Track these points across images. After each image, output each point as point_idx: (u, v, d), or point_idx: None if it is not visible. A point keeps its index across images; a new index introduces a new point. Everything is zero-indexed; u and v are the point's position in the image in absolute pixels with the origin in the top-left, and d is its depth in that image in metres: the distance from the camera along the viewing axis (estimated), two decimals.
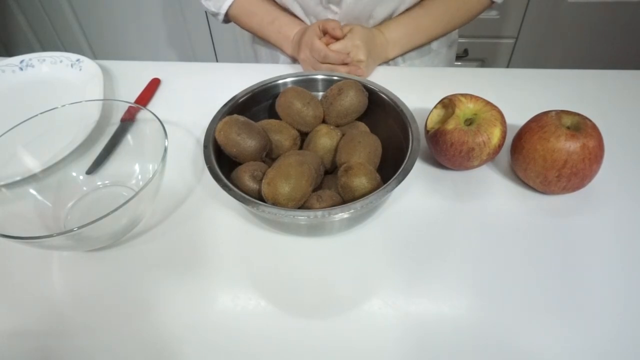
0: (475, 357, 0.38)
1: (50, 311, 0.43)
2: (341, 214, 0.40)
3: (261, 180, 0.45)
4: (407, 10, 0.71)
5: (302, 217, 0.40)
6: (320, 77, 0.56)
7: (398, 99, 0.51)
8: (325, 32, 0.65)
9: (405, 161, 0.44)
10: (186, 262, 0.46)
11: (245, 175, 0.45)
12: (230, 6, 0.74)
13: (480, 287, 0.42)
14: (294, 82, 0.56)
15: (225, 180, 0.43)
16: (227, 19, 0.78)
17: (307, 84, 0.56)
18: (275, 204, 0.42)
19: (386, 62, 0.74)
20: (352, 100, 0.51)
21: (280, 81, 0.55)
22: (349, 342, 0.39)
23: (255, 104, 0.55)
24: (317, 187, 0.48)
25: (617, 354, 0.38)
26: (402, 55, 0.74)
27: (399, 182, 0.42)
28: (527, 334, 0.39)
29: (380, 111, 0.53)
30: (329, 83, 0.55)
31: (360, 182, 0.43)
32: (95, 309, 0.43)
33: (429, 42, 0.76)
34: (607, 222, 0.47)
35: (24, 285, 0.45)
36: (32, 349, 0.40)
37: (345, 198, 0.45)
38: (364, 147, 0.47)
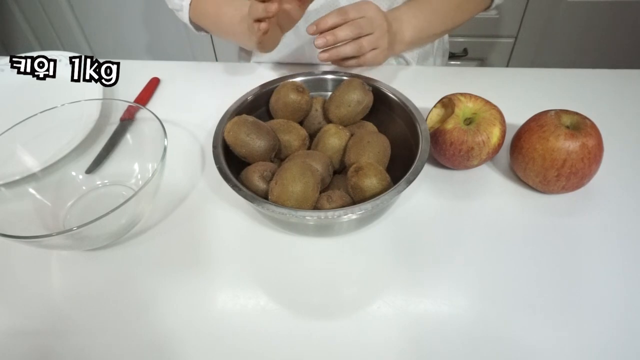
0: (476, 357, 0.38)
1: (49, 310, 0.43)
2: (350, 215, 0.40)
3: (270, 180, 0.45)
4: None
5: (311, 217, 0.40)
6: (329, 77, 0.56)
7: (407, 98, 0.51)
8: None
9: (416, 161, 0.44)
10: (186, 261, 0.46)
11: (255, 175, 0.45)
12: None
13: (480, 286, 0.42)
14: (304, 82, 0.55)
15: (235, 181, 0.43)
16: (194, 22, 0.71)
17: (315, 83, 0.56)
18: None
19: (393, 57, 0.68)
20: (358, 100, 0.50)
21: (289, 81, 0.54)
22: (352, 342, 0.39)
23: (264, 104, 0.54)
24: (326, 188, 0.48)
25: (617, 354, 0.38)
26: (416, 43, 0.65)
27: (410, 182, 0.42)
28: (526, 333, 0.39)
29: (388, 110, 0.52)
30: (338, 83, 0.54)
31: (371, 182, 0.43)
32: (94, 308, 0.43)
33: (442, 33, 0.69)
34: (606, 222, 0.47)
35: (23, 285, 0.45)
36: (32, 348, 0.40)
37: (356, 198, 0.45)
38: (373, 147, 0.47)
